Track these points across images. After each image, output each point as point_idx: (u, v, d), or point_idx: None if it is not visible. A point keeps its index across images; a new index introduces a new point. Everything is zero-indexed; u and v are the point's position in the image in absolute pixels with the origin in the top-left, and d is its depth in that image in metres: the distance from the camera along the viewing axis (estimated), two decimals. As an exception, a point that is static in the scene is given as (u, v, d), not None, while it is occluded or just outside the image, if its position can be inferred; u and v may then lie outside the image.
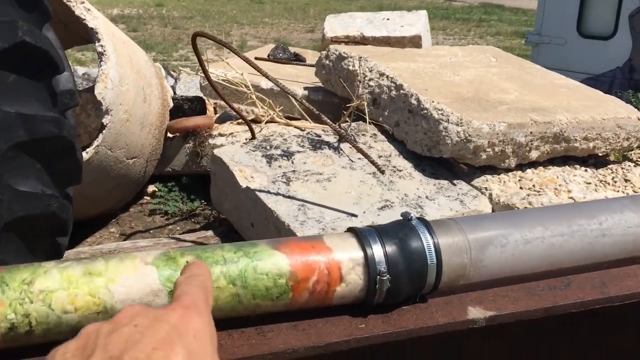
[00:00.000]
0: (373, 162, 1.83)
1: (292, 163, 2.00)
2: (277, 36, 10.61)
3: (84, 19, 2.07)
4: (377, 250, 0.77)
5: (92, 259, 0.72)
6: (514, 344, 0.90)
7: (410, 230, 0.80)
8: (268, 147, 2.08)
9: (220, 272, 0.72)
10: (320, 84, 2.71)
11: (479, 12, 15.63)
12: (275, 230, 1.74)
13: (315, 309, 0.77)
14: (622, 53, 5.53)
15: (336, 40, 3.24)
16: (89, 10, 2.10)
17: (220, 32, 10.78)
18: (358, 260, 0.77)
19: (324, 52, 2.62)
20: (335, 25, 3.40)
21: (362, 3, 15.64)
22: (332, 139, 2.18)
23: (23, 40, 1.06)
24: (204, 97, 3.00)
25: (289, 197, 1.81)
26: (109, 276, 0.70)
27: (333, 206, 1.78)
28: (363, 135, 2.22)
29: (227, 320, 0.74)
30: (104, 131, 2.12)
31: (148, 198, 2.90)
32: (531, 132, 2.03)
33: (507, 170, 2.10)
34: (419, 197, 1.91)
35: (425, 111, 2.05)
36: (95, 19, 2.10)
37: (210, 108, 3.05)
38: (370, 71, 2.36)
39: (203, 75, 2.61)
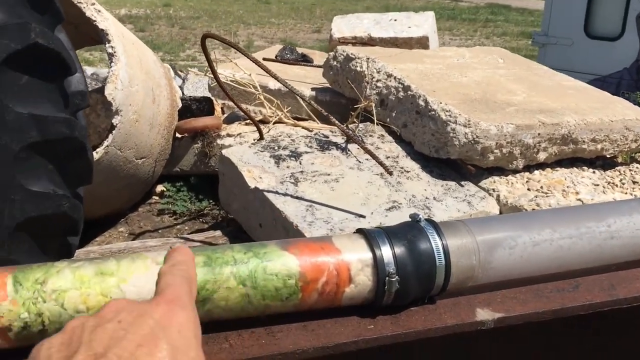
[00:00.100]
0: (381, 163, 1.83)
1: (300, 164, 2.01)
2: (283, 36, 10.63)
3: (95, 21, 2.08)
4: (386, 252, 0.78)
5: (104, 259, 0.73)
6: (522, 346, 0.90)
7: (419, 232, 0.81)
8: (276, 148, 2.09)
9: (231, 272, 0.73)
10: (327, 85, 2.72)
11: (485, 12, 15.59)
12: (283, 231, 1.75)
13: (324, 310, 0.78)
14: (629, 54, 5.51)
15: (343, 41, 3.24)
16: (99, 11, 2.11)
17: (227, 32, 10.81)
18: (367, 262, 0.78)
19: (331, 53, 2.63)
20: (343, 26, 3.41)
21: (369, 3, 15.64)
22: (339, 139, 2.19)
23: (36, 42, 1.07)
24: (212, 98, 3.01)
25: (297, 197, 1.81)
26: (121, 276, 0.70)
27: (341, 207, 1.78)
28: (370, 136, 2.23)
29: (237, 321, 0.75)
30: (113, 131, 2.14)
31: (156, 198, 2.92)
32: (539, 134, 2.03)
33: (515, 171, 2.10)
34: (426, 198, 1.91)
35: (433, 112, 2.05)
36: (105, 20, 2.12)
37: (217, 108, 3.06)
38: (378, 72, 2.36)
39: (211, 76, 2.62)
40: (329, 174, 1.96)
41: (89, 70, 3.74)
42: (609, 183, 2.09)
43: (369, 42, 3.24)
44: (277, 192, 1.83)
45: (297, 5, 15.15)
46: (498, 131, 1.96)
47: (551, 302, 0.85)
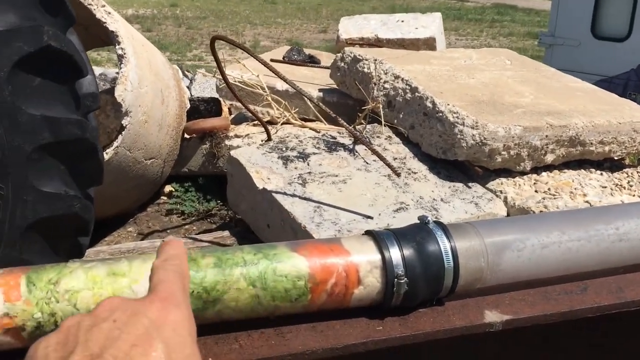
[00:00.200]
0: (389, 165, 1.84)
1: (308, 165, 2.02)
2: (289, 36, 10.64)
3: (105, 22, 2.10)
4: (395, 253, 0.78)
5: (115, 259, 0.74)
6: (530, 348, 0.90)
7: (428, 234, 0.81)
8: (284, 149, 2.10)
9: (241, 273, 0.73)
10: (335, 86, 2.72)
11: (491, 12, 15.54)
12: (291, 232, 1.75)
13: (333, 311, 0.79)
14: (636, 55, 5.48)
15: (350, 42, 3.25)
16: (109, 13, 2.13)
17: (234, 32, 10.82)
18: (376, 263, 0.78)
19: (339, 55, 2.63)
20: (350, 27, 3.41)
21: (375, 3, 15.63)
22: (347, 140, 2.20)
23: (48, 45, 1.08)
24: (220, 99, 3.02)
25: (305, 198, 1.82)
26: (133, 277, 0.71)
27: (348, 208, 1.79)
28: (378, 137, 2.23)
29: (246, 321, 0.76)
30: (123, 132, 2.15)
31: (165, 198, 2.93)
32: (547, 136, 2.03)
33: (523, 173, 2.09)
34: (434, 199, 1.91)
35: (441, 114, 2.05)
36: (115, 22, 2.13)
37: (225, 109, 3.07)
38: (385, 74, 2.36)
39: (220, 77, 2.63)
40: (336, 175, 1.97)
41: (97, 70, 3.76)
42: (616, 185, 2.09)
43: (376, 43, 3.25)
44: (285, 193, 1.84)
45: (303, 6, 15.15)
46: (506, 133, 1.96)
47: (559, 304, 0.85)
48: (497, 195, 2.00)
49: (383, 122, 2.26)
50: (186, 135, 2.80)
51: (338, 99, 2.66)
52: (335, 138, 2.21)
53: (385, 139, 2.23)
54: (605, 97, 2.43)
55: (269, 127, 2.36)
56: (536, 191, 1.99)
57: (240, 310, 0.74)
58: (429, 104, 2.11)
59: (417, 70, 2.43)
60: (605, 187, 2.05)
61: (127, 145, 2.21)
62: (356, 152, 2.12)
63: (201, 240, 2.23)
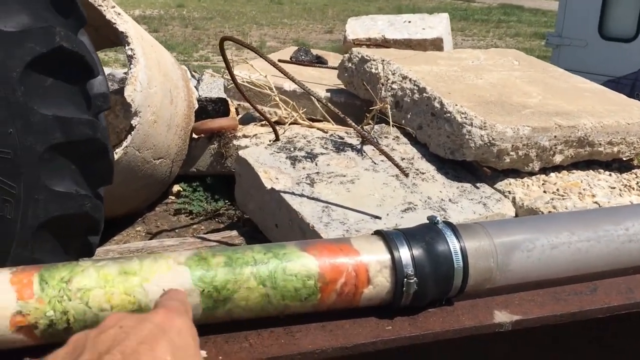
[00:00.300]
0: (397, 165, 1.84)
1: (316, 165, 2.02)
2: (295, 37, 10.64)
3: (115, 23, 2.11)
4: (404, 253, 0.78)
5: (127, 258, 0.75)
6: (539, 349, 0.90)
7: (437, 234, 0.82)
8: (292, 149, 2.10)
9: (251, 272, 0.74)
10: (342, 87, 2.72)
11: (498, 13, 15.49)
12: (299, 231, 1.76)
13: (342, 310, 0.79)
14: (644, 55, 5.45)
15: (358, 43, 3.25)
16: (119, 14, 2.14)
17: (240, 32, 10.83)
18: (385, 263, 0.78)
19: (346, 55, 2.64)
20: (357, 27, 3.41)
21: (381, 4, 15.61)
22: (355, 141, 2.20)
23: (60, 46, 1.09)
24: (227, 99, 3.03)
25: (313, 198, 1.82)
26: (144, 275, 0.72)
27: (357, 208, 1.79)
28: (386, 137, 2.23)
29: (256, 320, 0.76)
30: (132, 132, 2.16)
31: (173, 198, 2.94)
32: (555, 136, 2.02)
33: (531, 173, 2.09)
34: (442, 200, 1.91)
35: (449, 114, 2.05)
36: (125, 22, 2.14)
37: (232, 109, 3.07)
38: (393, 74, 2.36)
39: (228, 77, 2.64)
40: (344, 175, 1.97)
41: (104, 71, 3.76)
42: (625, 186, 2.08)
43: (383, 43, 3.25)
44: (293, 193, 1.85)
45: (309, 6, 15.15)
46: (514, 133, 1.96)
47: (569, 305, 0.85)
48: (505, 196, 2.00)
49: (391, 123, 2.26)
50: (194, 136, 2.81)
51: (345, 100, 2.66)
52: (343, 138, 2.21)
53: (393, 139, 2.23)
54: (614, 98, 2.42)
55: (277, 128, 2.37)
56: (545, 192, 1.99)
57: (250, 309, 0.75)
58: (436, 105, 2.11)
59: (424, 70, 2.43)
60: (614, 187, 2.04)
61: (136, 145, 2.22)
62: (364, 152, 2.12)
63: (209, 240, 2.23)
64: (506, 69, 2.63)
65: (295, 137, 2.22)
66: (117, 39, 2.31)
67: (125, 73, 3.08)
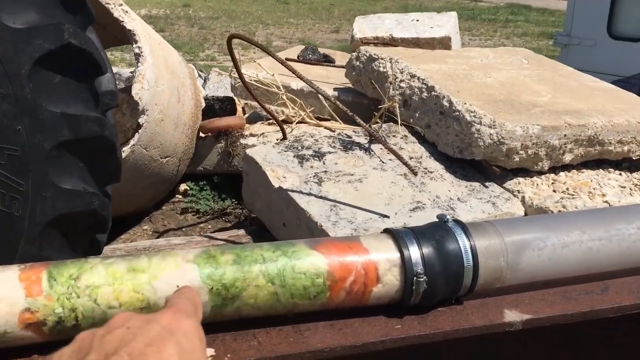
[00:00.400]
0: (406, 163, 1.83)
1: (324, 163, 2.02)
2: (302, 36, 10.63)
3: (122, 21, 2.11)
4: (414, 252, 0.78)
5: (135, 256, 0.74)
6: (549, 348, 0.89)
7: (447, 232, 0.81)
8: (299, 148, 2.10)
9: (260, 270, 0.73)
10: (349, 85, 2.72)
11: (505, 12, 15.41)
12: (307, 230, 1.75)
13: (351, 309, 0.78)
14: (653, 55, 5.42)
15: (365, 42, 3.24)
16: (127, 12, 2.14)
17: (246, 32, 10.81)
18: (395, 261, 0.78)
19: (354, 54, 2.63)
20: (364, 26, 3.40)
21: (387, 3, 15.56)
22: (363, 140, 2.19)
23: (69, 42, 1.09)
24: (234, 98, 3.03)
25: (321, 197, 1.82)
26: (152, 273, 0.72)
27: (365, 207, 1.79)
28: (394, 136, 2.22)
29: (264, 319, 0.76)
30: (140, 130, 2.16)
31: (180, 196, 2.95)
32: (565, 135, 2.01)
33: (540, 173, 2.08)
34: (450, 199, 1.90)
35: (457, 113, 2.04)
36: (132, 20, 2.15)
37: (239, 108, 3.08)
38: (401, 72, 2.36)
39: (235, 75, 2.64)
40: (352, 174, 1.97)
41: (113, 70, 3.76)
42: (636, 185, 2.06)
43: (391, 42, 3.24)
44: (301, 192, 1.84)
45: (315, 6, 15.13)
46: (524, 132, 1.95)
47: (580, 304, 0.84)
48: (514, 195, 1.99)
49: (399, 121, 2.25)
50: (201, 134, 2.81)
51: (353, 98, 2.66)
52: (350, 137, 2.20)
53: (401, 138, 2.22)
54: (624, 97, 2.41)
55: (284, 126, 2.36)
56: (554, 191, 1.97)
57: (259, 307, 0.74)
58: (445, 103, 2.10)
59: (433, 69, 2.42)
60: (625, 187, 2.03)
61: (144, 144, 2.23)
62: (372, 151, 2.12)
63: (216, 239, 2.23)
64: (515, 68, 2.62)
65: (302, 135, 2.22)
66: (124, 37, 2.31)
67: (131, 72, 3.09)
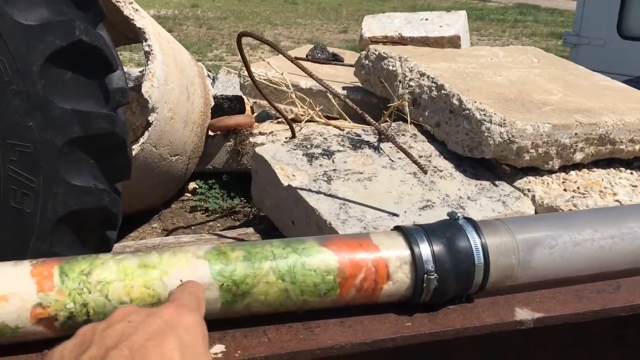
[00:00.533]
0: (416, 162, 1.82)
1: (333, 162, 2.01)
2: (310, 37, 10.62)
3: (132, 19, 2.12)
4: (425, 249, 0.78)
5: (146, 252, 0.74)
6: (561, 347, 0.89)
7: (458, 230, 0.80)
8: (308, 146, 2.10)
9: (270, 267, 0.73)
10: (358, 84, 2.71)
11: (514, 12, 15.32)
12: (316, 228, 1.75)
13: (361, 306, 0.78)
14: (663, 55, 5.37)
15: (374, 41, 3.23)
16: (137, 10, 2.15)
17: (254, 32, 10.77)
18: (405, 259, 0.77)
19: (363, 52, 2.63)
20: (373, 25, 3.39)
21: (395, 3, 15.51)
22: (372, 138, 2.19)
23: (80, 39, 1.09)
24: (243, 96, 3.03)
25: (330, 195, 1.82)
26: (163, 269, 0.72)
27: (374, 205, 1.78)
28: (403, 135, 2.22)
29: (274, 316, 0.76)
30: (149, 128, 2.17)
31: (189, 195, 2.95)
32: (576, 134, 2.00)
33: (551, 172, 2.07)
34: (460, 197, 1.90)
35: (467, 112, 2.03)
36: (142, 19, 2.15)
37: (248, 107, 3.08)
38: (411, 71, 2.35)
39: (245, 74, 2.64)
40: (361, 173, 1.96)
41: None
42: (647, 184, 2.05)
43: (400, 41, 3.23)
44: (310, 190, 1.84)
45: (323, 6, 15.11)
46: (534, 131, 1.94)
47: (592, 303, 0.84)
48: (524, 194, 1.97)
49: (409, 120, 2.25)
50: (210, 133, 2.82)
51: (362, 97, 2.65)
52: (359, 136, 2.20)
53: (411, 136, 2.21)
54: (636, 95, 2.39)
55: (293, 125, 2.36)
56: (565, 190, 1.96)
57: (269, 304, 0.74)
58: (455, 102, 2.10)
59: (442, 68, 2.41)
60: (636, 186, 2.01)
61: (153, 142, 2.23)
62: (381, 149, 2.11)
63: (225, 237, 2.23)
64: (525, 66, 2.61)
65: (311, 134, 2.22)
66: (134, 36, 2.32)
67: (140, 71, 3.10)
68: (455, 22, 3.34)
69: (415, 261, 0.77)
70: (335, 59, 3.28)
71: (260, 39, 1.87)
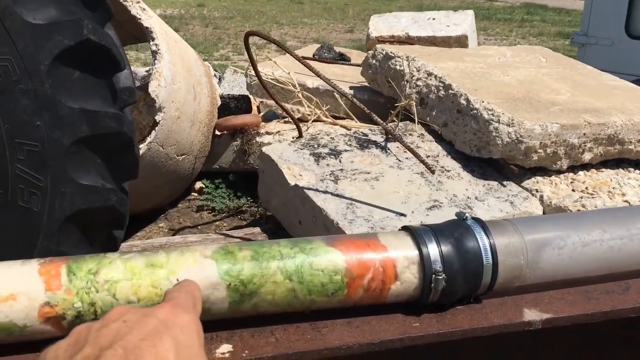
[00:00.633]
0: (423, 162, 1.82)
1: (340, 162, 2.01)
2: (316, 36, 10.62)
3: (140, 19, 2.12)
4: (433, 249, 0.77)
5: (153, 251, 0.74)
6: (569, 348, 0.88)
7: (466, 230, 0.80)
8: (315, 146, 2.10)
9: (277, 267, 0.73)
10: (365, 84, 2.71)
11: (521, 12, 15.26)
12: (323, 228, 1.75)
13: (368, 306, 0.78)
14: (671, 55, 5.34)
15: (381, 40, 3.23)
16: (144, 9, 2.15)
17: (261, 31, 10.75)
18: (413, 259, 0.77)
19: (370, 52, 2.62)
20: (380, 25, 3.39)
21: (402, 3, 15.48)
22: (379, 138, 2.18)
23: (88, 39, 1.09)
24: (250, 96, 3.03)
25: (337, 195, 1.82)
26: (170, 268, 0.72)
27: (381, 205, 1.78)
28: (410, 135, 2.21)
29: (281, 316, 0.76)
30: (156, 128, 2.17)
31: (196, 194, 2.96)
32: (584, 134, 1.99)
33: (559, 172, 2.06)
34: (468, 197, 1.89)
35: (475, 111, 2.03)
36: (150, 18, 2.16)
37: (254, 107, 3.08)
38: (418, 71, 2.34)
39: (251, 73, 2.64)
40: (368, 173, 1.96)
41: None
42: (656, 185, 2.03)
43: (407, 40, 3.22)
44: (317, 190, 1.84)
45: (329, 6, 15.10)
46: (542, 130, 1.93)
47: (601, 304, 0.83)
48: (532, 194, 1.97)
49: (416, 120, 2.24)
50: (217, 132, 2.82)
51: (369, 97, 2.65)
52: (366, 135, 2.20)
53: (418, 136, 2.21)
54: (645, 95, 2.37)
55: (300, 125, 2.36)
56: (573, 190, 1.95)
57: (276, 303, 0.74)
58: (462, 101, 2.09)
59: (450, 67, 2.40)
60: (645, 186, 2.00)
61: (160, 141, 2.24)
62: (388, 149, 2.11)
63: (232, 237, 2.24)
64: (533, 66, 2.60)
65: (318, 134, 2.22)
66: (141, 35, 2.33)
67: (147, 71, 3.11)
68: (462, 22, 3.33)
69: (423, 261, 0.76)
70: (342, 59, 3.28)
71: (268, 38, 1.87)
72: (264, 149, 2.10)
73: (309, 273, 0.74)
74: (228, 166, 2.91)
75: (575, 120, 1.99)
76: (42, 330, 0.68)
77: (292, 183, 1.90)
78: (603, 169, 2.11)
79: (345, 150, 2.08)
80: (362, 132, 2.22)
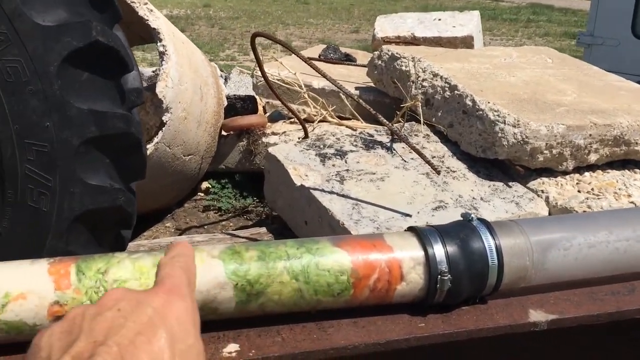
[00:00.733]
0: (429, 162, 1.82)
1: (346, 162, 2.02)
2: (321, 36, 10.62)
3: (147, 20, 2.13)
4: (438, 250, 0.78)
5: (161, 251, 0.75)
6: (575, 349, 0.89)
7: (472, 231, 0.80)
8: (321, 146, 2.10)
9: (284, 267, 0.74)
10: (371, 84, 2.71)
11: (527, 12, 15.20)
12: (329, 229, 1.75)
13: (374, 307, 0.78)
14: (677, 55, 5.32)
15: (387, 41, 3.23)
16: (151, 11, 2.16)
17: (267, 32, 10.76)
18: (419, 260, 0.78)
19: (376, 53, 2.63)
20: (386, 25, 3.39)
21: (407, 3, 15.46)
22: (384, 138, 2.19)
23: (96, 40, 1.10)
24: (256, 96, 3.04)
25: (343, 195, 1.82)
26: (178, 268, 0.72)
27: (387, 206, 1.78)
28: (416, 135, 2.22)
29: (287, 316, 0.76)
30: (163, 128, 2.18)
31: (202, 194, 2.97)
32: (590, 135, 1.99)
33: (565, 173, 2.05)
34: (473, 198, 1.89)
35: (481, 112, 2.03)
36: (157, 19, 2.17)
37: (260, 107, 3.09)
38: (424, 71, 2.35)
39: (258, 74, 2.65)
40: (374, 173, 1.96)
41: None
42: (662, 186, 2.03)
43: (413, 41, 3.22)
44: (323, 190, 1.84)
45: (335, 6, 15.09)
46: (548, 131, 1.93)
47: (606, 305, 0.83)
48: (538, 195, 1.97)
49: (422, 120, 2.24)
50: (223, 132, 2.83)
51: (374, 98, 2.65)
52: (372, 136, 2.20)
53: (424, 137, 2.21)
54: (651, 96, 2.37)
55: (306, 125, 2.37)
56: (579, 191, 1.95)
57: (283, 303, 0.74)
58: (468, 102, 2.09)
59: (456, 68, 2.40)
60: (651, 188, 2.00)
61: (167, 142, 2.25)
62: (394, 150, 2.11)
63: (238, 237, 2.24)
64: (539, 67, 2.59)
65: (324, 134, 2.22)
66: (148, 36, 2.34)
67: (154, 71, 3.12)
68: (468, 22, 3.33)
69: (429, 262, 0.77)
70: (348, 59, 3.28)
71: (274, 39, 1.88)
72: (270, 149, 2.11)
73: (315, 273, 0.74)
74: (234, 166, 2.92)
75: (581, 121, 1.99)
76: (52, 329, 0.69)
77: (298, 183, 1.90)
78: (609, 170, 2.10)
79: (351, 151, 2.09)
80: (367, 133, 2.23)
